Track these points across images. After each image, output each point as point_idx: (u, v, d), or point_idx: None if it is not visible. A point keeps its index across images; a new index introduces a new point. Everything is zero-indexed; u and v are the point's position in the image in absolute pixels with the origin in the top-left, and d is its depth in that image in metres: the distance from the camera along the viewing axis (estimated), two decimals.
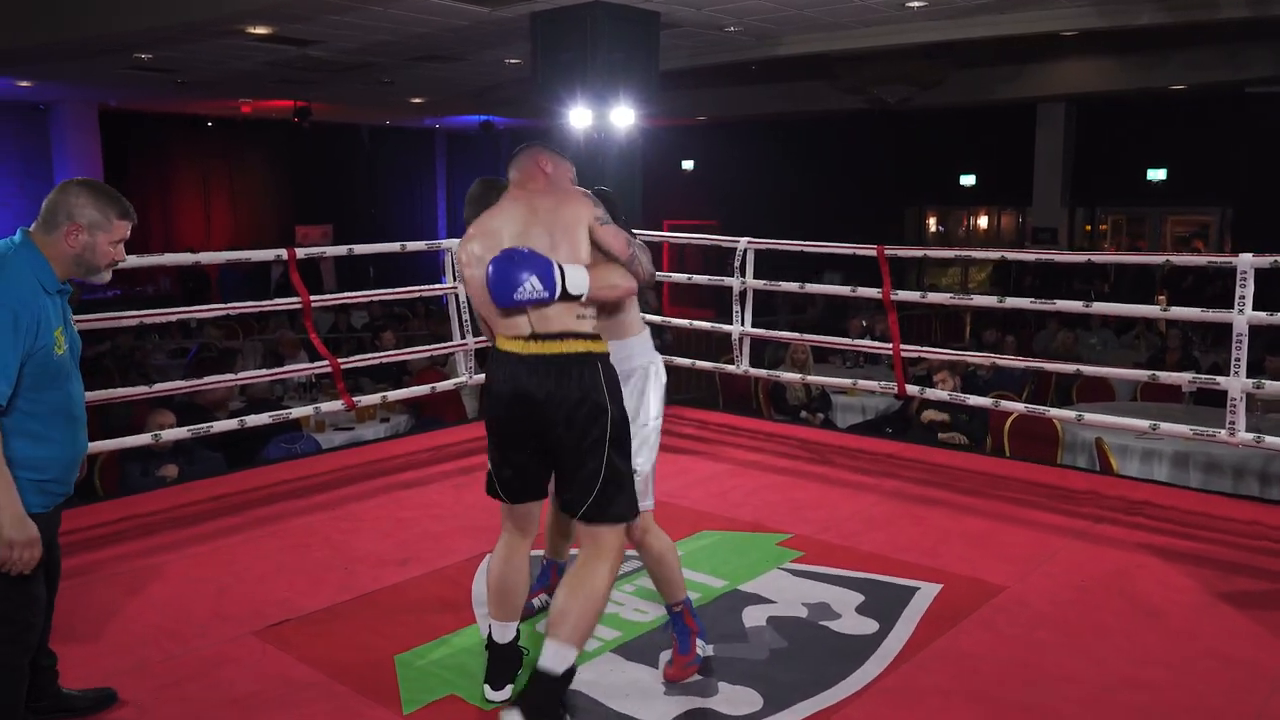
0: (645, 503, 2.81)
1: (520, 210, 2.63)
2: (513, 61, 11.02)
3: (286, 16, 8.68)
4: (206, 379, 5.19)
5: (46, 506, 2.43)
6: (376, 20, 8.72)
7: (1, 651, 2.39)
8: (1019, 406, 5.07)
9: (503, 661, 2.80)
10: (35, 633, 2.45)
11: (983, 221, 17.54)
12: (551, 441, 2.53)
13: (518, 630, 2.86)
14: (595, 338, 2.55)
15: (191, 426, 4.61)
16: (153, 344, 10.29)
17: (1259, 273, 4.01)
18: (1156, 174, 14.93)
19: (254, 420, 4.77)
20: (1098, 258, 7.42)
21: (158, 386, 4.64)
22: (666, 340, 8.08)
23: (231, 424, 4.72)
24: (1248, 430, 4.09)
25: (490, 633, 2.81)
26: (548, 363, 2.49)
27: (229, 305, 4.96)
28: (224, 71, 11.61)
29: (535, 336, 2.50)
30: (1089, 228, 16.02)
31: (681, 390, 7.22)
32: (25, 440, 2.34)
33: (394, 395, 5.57)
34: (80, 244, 2.39)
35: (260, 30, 9.19)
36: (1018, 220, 16.74)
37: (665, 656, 2.96)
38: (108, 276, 2.52)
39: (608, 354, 2.58)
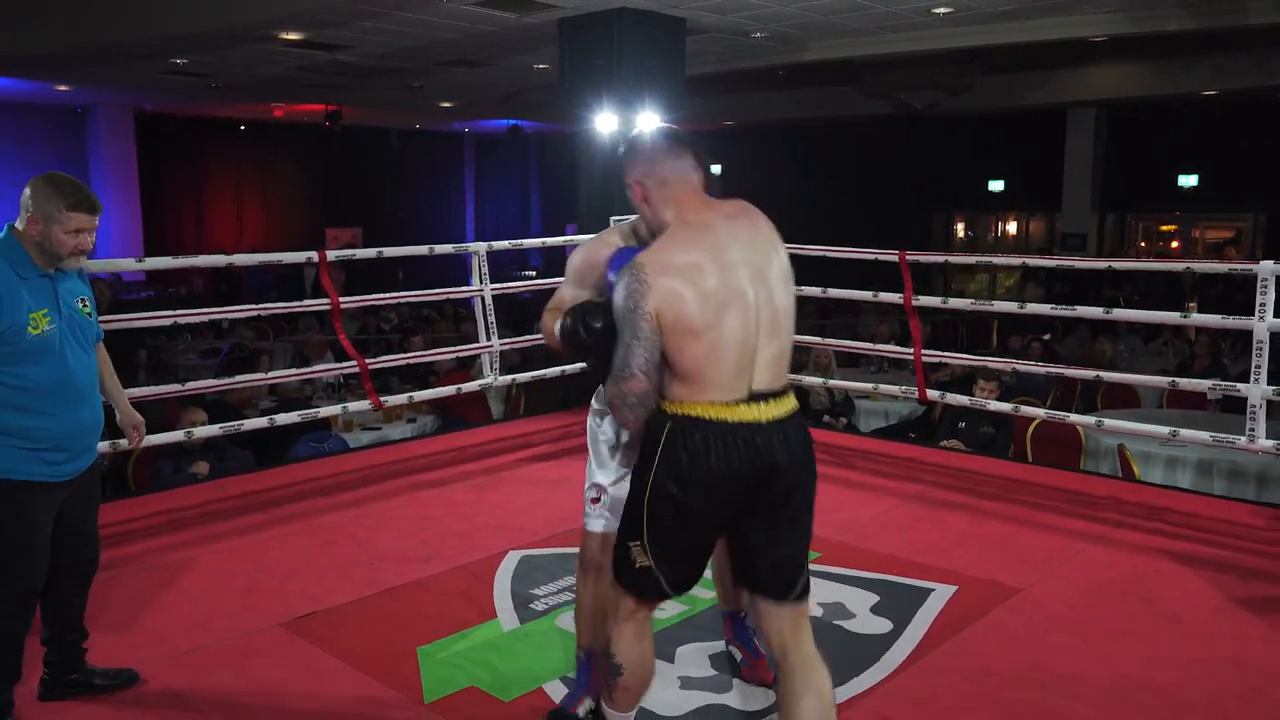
0: None
1: (743, 232, 2.16)
2: (540, 67, 11.12)
3: (318, 23, 8.82)
4: (238, 378, 5.30)
5: (53, 476, 2.58)
6: (406, 26, 8.84)
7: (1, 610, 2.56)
8: (1039, 412, 5.07)
9: None
10: (26, 601, 2.59)
11: (1011, 227, 17.45)
12: (771, 513, 2.16)
13: None
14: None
15: (223, 424, 4.72)
16: (184, 344, 10.47)
17: None
18: (1188, 180, 14.81)
19: (283, 419, 4.87)
20: (1119, 264, 7.39)
21: (190, 385, 4.74)
22: None
23: (261, 422, 4.82)
24: (1269, 438, 4.08)
25: None
26: (785, 425, 2.12)
27: (261, 306, 5.06)
28: (257, 76, 11.80)
29: (758, 397, 2.09)
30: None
31: None
32: (17, 413, 2.52)
33: (420, 395, 5.65)
34: (38, 233, 2.55)
35: (292, 36, 9.35)
36: (1047, 226, 16.65)
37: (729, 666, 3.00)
38: (75, 265, 2.63)
39: None
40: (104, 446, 4.46)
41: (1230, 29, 8.49)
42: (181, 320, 5.63)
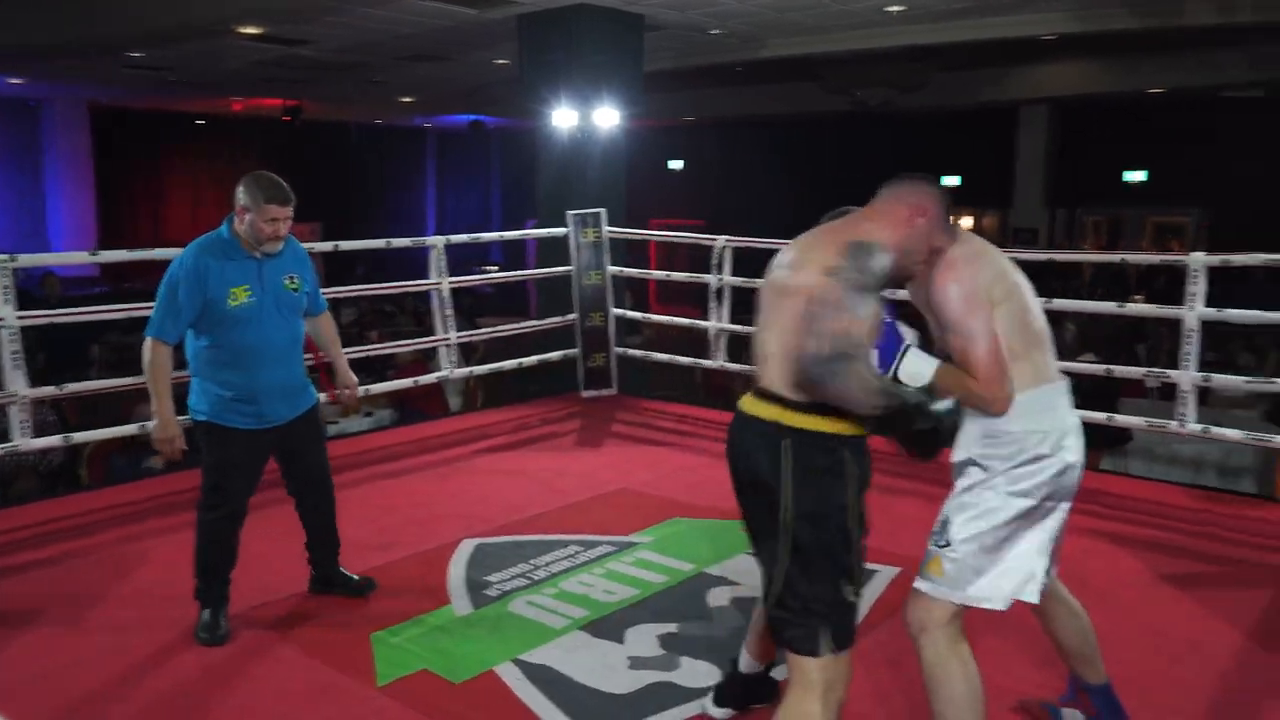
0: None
1: (811, 235, 2.26)
2: (500, 62, 11.15)
3: (276, 17, 8.80)
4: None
5: (250, 425, 3.14)
6: (365, 21, 8.84)
7: (205, 519, 3.18)
8: None
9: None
10: (230, 516, 3.18)
11: (967, 222, 17.72)
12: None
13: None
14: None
15: (179, 417, 4.72)
16: (139, 339, 10.37)
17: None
18: (1135, 175, 15.15)
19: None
20: (1059, 256, 7.58)
21: (143, 378, 4.73)
22: (648, 337, 8.23)
23: None
24: (1198, 422, 4.25)
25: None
26: (745, 424, 2.21)
27: None
28: (215, 70, 11.73)
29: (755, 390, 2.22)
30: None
31: (663, 386, 7.37)
32: (219, 368, 3.10)
33: (376, 388, 5.68)
34: (246, 222, 3.09)
35: (251, 30, 9.31)
36: (1000, 221, 16.93)
37: None
38: (274, 247, 3.13)
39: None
40: (56, 441, 4.50)
41: (1172, 29, 8.73)
42: (137, 314, 5.61)
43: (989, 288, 2.17)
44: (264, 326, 3.12)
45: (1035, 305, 2.27)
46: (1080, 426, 2.29)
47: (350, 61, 11.24)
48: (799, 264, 2.12)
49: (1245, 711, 2.80)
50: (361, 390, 5.54)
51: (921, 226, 2.16)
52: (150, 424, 4.57)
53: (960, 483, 2.31)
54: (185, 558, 3.77)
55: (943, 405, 2.10)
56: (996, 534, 2.21)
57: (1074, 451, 2.24)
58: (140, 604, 3.43)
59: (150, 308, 5.45)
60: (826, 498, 2.09)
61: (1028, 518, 2.23)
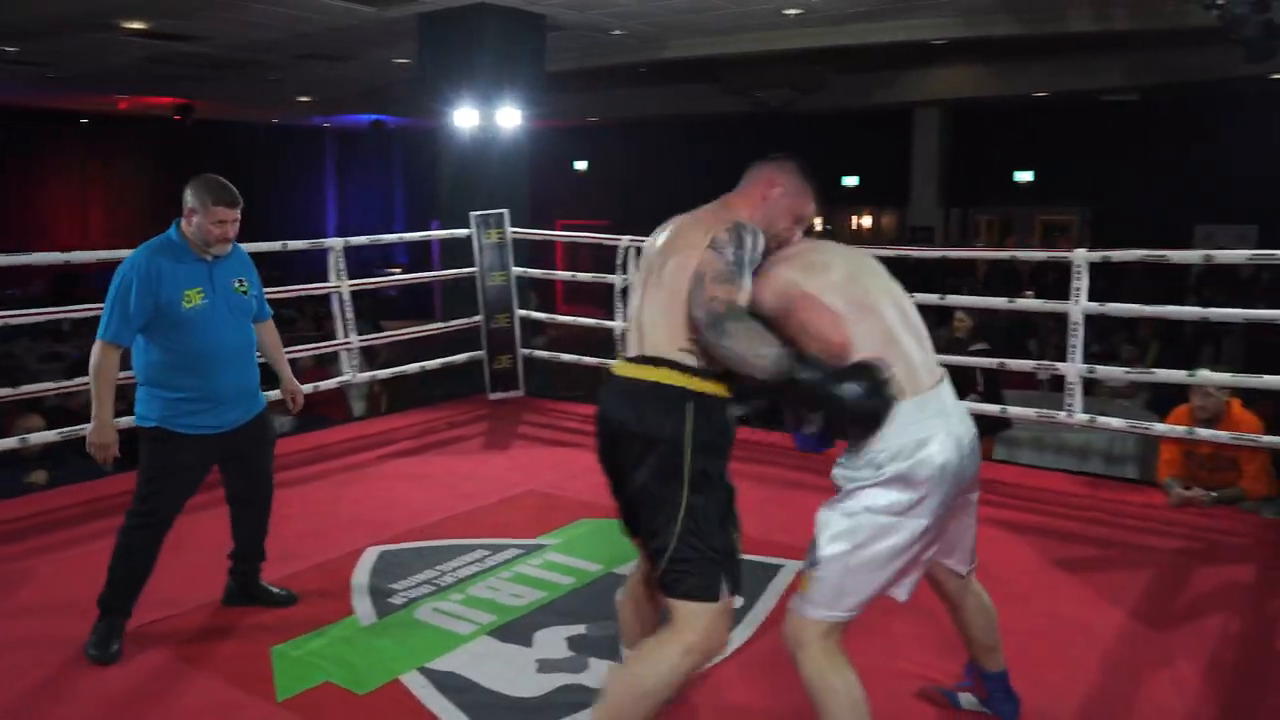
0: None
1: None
2: (401, 61, 10.97)
3: (163, 11, 8.48)
4: (76, 380, 5.07)
5: (202, 430, 3.09)
6: (259, 17, 8.59)
7: (134, 525, 3.11)
8: None
9: None
10: (154, 524, 3.10)
11: (866, 221, 18.15)
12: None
13: None
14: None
15: (61, 430, 4.52)
16: (22, 348, 9.91)
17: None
18: (1024, 175, 15.74)
19: (128, 422, 4.68)
20: (953, 253, 7.84)
21: (24, 388, 4.52)
22: (553, 337, 8.21)
23: None
24: (1085, 412, 4.43)
25: None
26: (616, 384, 2.32)
27: (98, 305, 4.87)
28: (98, 66, 11.23)
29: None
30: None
31: (570, 386, 7.36)
32: (174, 372, 3.05)
33: (274, 395, 5.52)
34: (193, 224, 3.07)
35: (135, 25, 8.96)
36: (898, 220, 17.39)
37: None
38: (222, 249, 3.12)
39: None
40: None
41: (1054, 35, 9.09)
42: (14, 322, 5.36)
43: (798, 280, 2.25)
44: (219, 329, 3.12)
45: (894, 306, 2.24)
46: (955, 431, 2.18)
47: (244, 59, 10.90)
48: (677, 241, 2.28)
49: (1131, 686, 2.93)
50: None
51: (776, 196, 2.38)
52: (31, 436, 4.41)
53: (829, 499, 2.28)
54: (72, 577, 3.63)
55: (850, 388, 2.05)
56: (859, 554, 2.16)
57: (942, 454, 2.14)
58: (26, 623, 3.27)
59: (24, 315, 5.27)
60: (718, 456, 2.28)
61: (894, 532, 2.16)
